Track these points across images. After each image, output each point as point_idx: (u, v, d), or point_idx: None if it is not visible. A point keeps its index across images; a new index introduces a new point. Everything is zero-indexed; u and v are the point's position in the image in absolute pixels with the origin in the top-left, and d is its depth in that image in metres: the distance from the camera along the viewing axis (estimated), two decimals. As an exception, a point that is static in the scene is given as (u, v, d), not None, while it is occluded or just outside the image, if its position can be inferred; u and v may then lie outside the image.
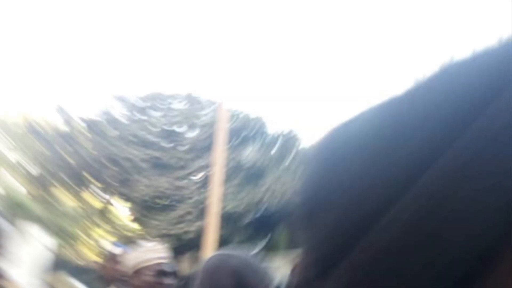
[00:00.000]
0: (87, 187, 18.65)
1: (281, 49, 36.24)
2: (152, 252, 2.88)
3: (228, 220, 15.31)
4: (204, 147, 17.80)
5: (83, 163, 18.03)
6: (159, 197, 18.19)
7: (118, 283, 3.29)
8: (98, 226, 18.59)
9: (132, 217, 18.83)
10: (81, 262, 14.20)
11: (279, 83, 32.98)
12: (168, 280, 2.83)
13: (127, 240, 12.40)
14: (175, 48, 37.84)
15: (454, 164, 0.27)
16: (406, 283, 0.28)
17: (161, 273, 2.81)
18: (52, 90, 33.27)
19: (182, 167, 18.49)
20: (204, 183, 16.56)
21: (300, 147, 18.39)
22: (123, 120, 19.41)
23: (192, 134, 19.40)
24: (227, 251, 2.00)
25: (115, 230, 18.40)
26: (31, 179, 18.01)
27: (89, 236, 18.03)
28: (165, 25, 36.84)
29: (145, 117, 19.54)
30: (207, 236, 11.41)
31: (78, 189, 18.51)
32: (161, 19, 35.13)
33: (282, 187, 16.62)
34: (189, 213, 17.53)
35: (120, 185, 18.15)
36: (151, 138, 18.95)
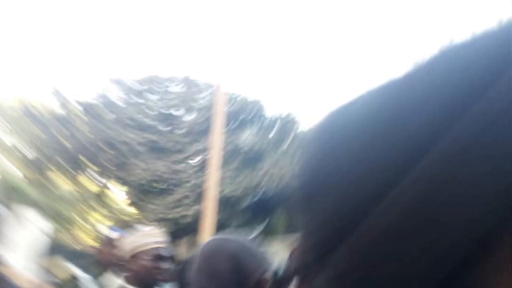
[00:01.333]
0: (83, 170, 18.65)
1: (279, 31, 36.13)
2: (149, 237, 2.87)
3: (226, 204, 15.34)
4: (201, 131, 17.80)
5: (80, 146, 18.02)
6: (156, 181, 18.21)
7: (115, 267, 3.29)
8: (95, 210, 18.62)
9: (129, 201, 18.86)
10: (77, 247, 14.23)
11: (277, 66, 32.92)
12: (165, 265, 2.83)
13: (124, 225, 12.42)
14: (172, 30, 37.67)
15: (453, 147, 0.27)
16: (404, 268, 0.28)
17: (158, 257, 2.81)
18: (48, 73, 33.12)
19: (180, 151, 18.50)
20: (202, 166, 16.58)
21: (298, 130, 18.40)
22: (120, 103, 19.37)
23: (189, 118, 19.39)
24: (224, 235, 1.99)
25: (111, 214, 18.44)
26: (27, 162, 17.99)
27: (85, 220, 18.06)
28: (163, 8, 36.63)
29: (142, 100, 19.50)
30: (204, 220, 11.41)
31: (74, 173, 18.51)
32: (158, 2, 34.93)
33: (280, 171, 16.65)
34: (186, 197, 17.57)
35: (117, 168, 18.16)
36: (148, 121, 18.93)
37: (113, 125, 18.47)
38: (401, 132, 0.29)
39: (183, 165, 18.44)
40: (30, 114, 18.20)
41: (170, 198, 17.79)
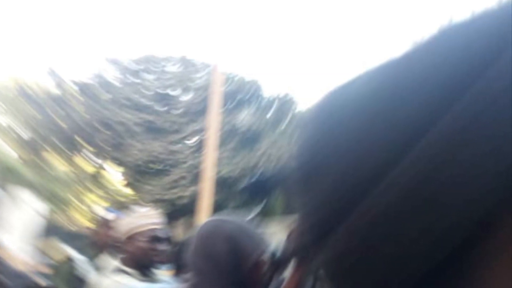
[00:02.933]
0: (79, 151, 18.61)
1: (277, 10, 35.93)
2: (146, 218, 2.86)
3: (223, 185, 15.35)
4: (198, 111, 17.75)
5: (75, 127, 17.96)
6: (153, 162, 18.20)
7: (111, 249, 3.27)
8: (91, 191, 18.62)
9: (125, 182, 18.87)
10: (73, 228, 14.24)
11: (274, 45, 32.81)
12: (161, 246, 2.83)
13: (120, 206, 12.45)
14: (169, 9, 37.40)
15: (452, 127, 0.27)
16: (403, 249, 0.29)
17: (155, 239, 2.80)
18: (43, 52, 32.93)
19: (176, 131, 18.46)
20: (199, 147, 16.56)
21: (296, 110, 18.38)
22: (116, 83, 19.28)
23: (186, 98, 19.33)
24: (221, 216, 1.97)
25: (107, 195, 18.46)
26: (22, 143, 17.94)
27: (81, 201, 18.06)
28: (158, -13, 36.26)
29: (138, 80, 19.42)
30: (201, 201, 11.42)
31: (70, 154, 18.48)
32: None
33: (278, 151, 16.66)
34: (183, 178, 17.58)
35: (113, 149, 18.13)
36: (144, 101, 18.86)
37: (109, 105, 18.41)
38: (400, 112, 0.29)
39: (179, 145, 18.43)
40: (25, 94, 18.11)
41: (167, 179, 17.80)
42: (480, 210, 0.27)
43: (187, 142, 18.62)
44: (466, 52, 0.28)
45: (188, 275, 1.81)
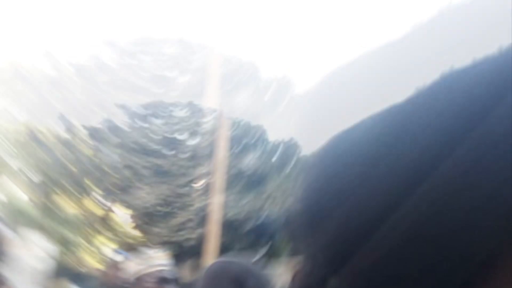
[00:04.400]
0: (88, 194, 18.52)
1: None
2: (154, 259, 2.88)
3: (229, 227, 15.21)
4: (205, 155, 17.73)
5: (84, 170, 17.91)
6: (160, 205, 18.10)
7: (120, 290, 3.29)
8: (100, 233, 18.45)
9: (134, 225, 18.73)
10: (82, 269, 14.09)
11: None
12: (169, 287, 2.83)
13: (129, 247, 12.35)
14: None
15: (454, 171, 0.27)
16: None
17: (163, 280, 2.82)
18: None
19: (183, 174, 18.40)
20: (205, 190, 16.51)
21: (301, 154, 18.31)
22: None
23: (193, 142, 19.22)
24: (228, 258, 2.01)
25: (116, 237, 18.27)
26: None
27: (90, 243, 17.87)
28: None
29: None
30: (208, 243, 11.37)
31: (79, 196, 18.39)
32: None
33: (283, 195, 16.52)
34: (190, 220, 17.46)
35: (121, 192, 18.05)
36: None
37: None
38: (403, 156, 0.30)
39: (187, 189, 18.36)
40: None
41: (174, 221, 17.68)
42: (481, 252, 0.27)
43: (194, 185, 18.55)
44: (468, 97, 0.29)
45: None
